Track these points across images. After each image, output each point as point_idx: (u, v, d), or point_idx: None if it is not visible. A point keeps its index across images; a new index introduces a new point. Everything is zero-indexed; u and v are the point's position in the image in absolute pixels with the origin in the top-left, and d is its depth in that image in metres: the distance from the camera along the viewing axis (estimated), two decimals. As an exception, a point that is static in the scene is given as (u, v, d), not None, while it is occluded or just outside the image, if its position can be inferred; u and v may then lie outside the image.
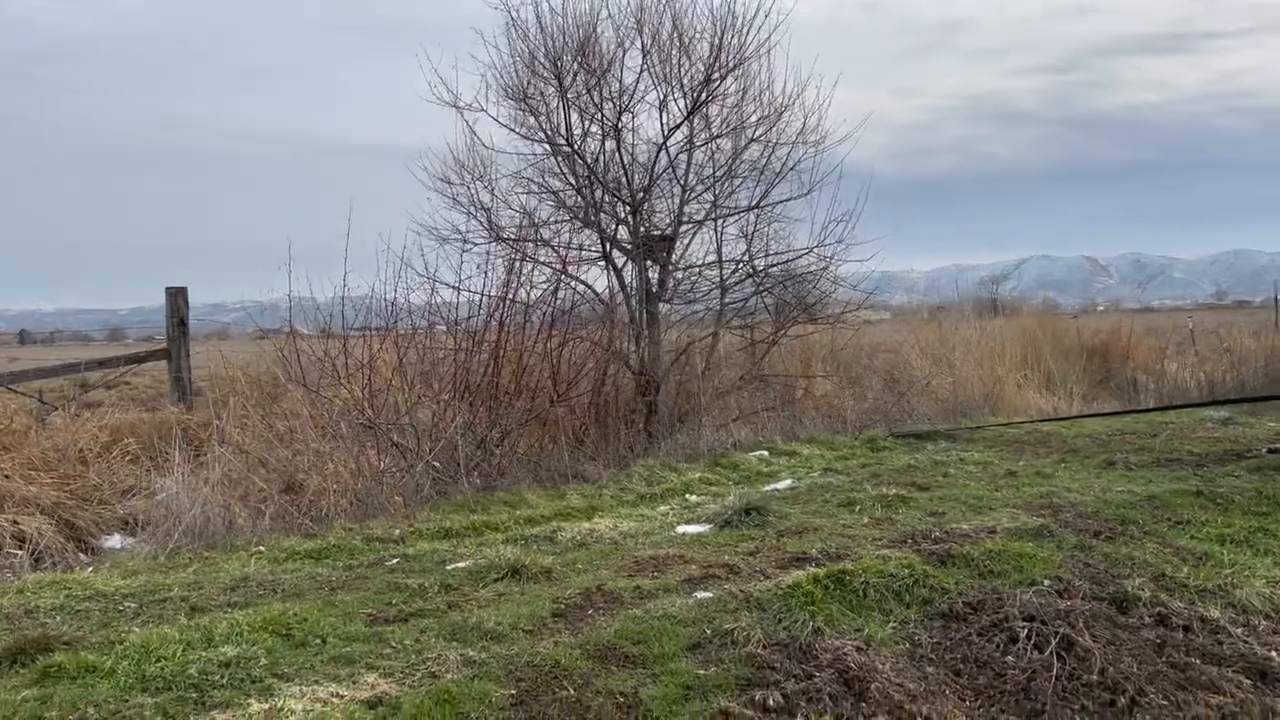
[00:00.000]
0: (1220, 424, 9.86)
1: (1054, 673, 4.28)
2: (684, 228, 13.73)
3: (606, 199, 13.64)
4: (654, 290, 13.21)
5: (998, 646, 4.50)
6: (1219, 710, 3.96)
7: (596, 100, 12.64)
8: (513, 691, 3.83)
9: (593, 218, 13.46)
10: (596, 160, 13.19)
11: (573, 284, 13.86)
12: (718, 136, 13.74)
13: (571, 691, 3.87)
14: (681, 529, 6.34)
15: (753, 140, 13.81)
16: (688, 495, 7.42)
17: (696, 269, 14.05)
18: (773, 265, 13.87)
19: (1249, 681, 4.15)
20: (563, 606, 4.73)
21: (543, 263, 13.58)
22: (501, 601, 4.83)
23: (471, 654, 4.11)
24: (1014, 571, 5.17)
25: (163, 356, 12.83)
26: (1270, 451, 8.20)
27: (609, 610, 4.70)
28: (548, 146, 13.40)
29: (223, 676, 3.88)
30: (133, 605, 4.93)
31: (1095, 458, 7.92)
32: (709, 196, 13.88)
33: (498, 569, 5.23)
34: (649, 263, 13.40)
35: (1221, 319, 30.39)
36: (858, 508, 6.52)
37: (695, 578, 5.12)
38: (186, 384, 12.53)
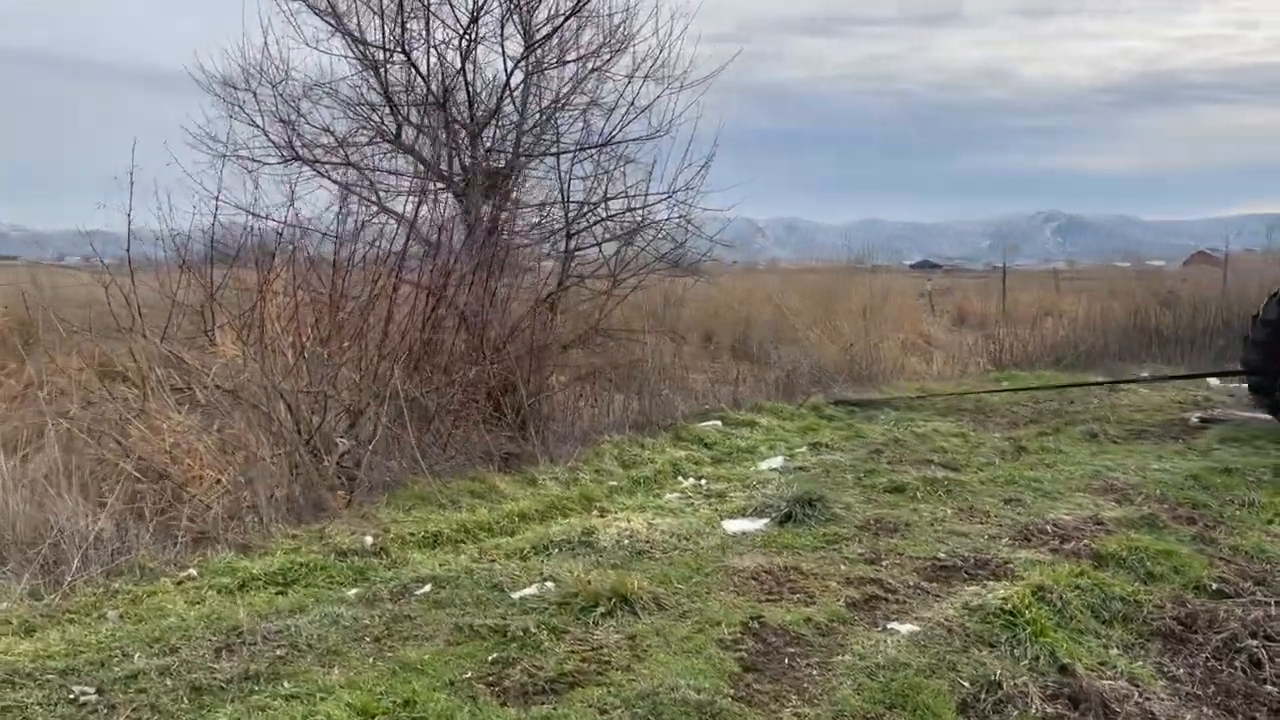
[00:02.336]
0: (1110, 391, 10.05)
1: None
2: (523, 160, 12.17)
3: (440, 122, 11.82)
4: (490, 232, 11.64)
5: (1245, 673, 3.83)
6: None
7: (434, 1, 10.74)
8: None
9: (429, 143, 11.65)
10: (438, 77, 11.32)
11: (391, 220, 12.12)
12: (548, 67, 12.14)
13: (888, 797, 2.74)
14: (732, 526, 5.24)
15: (594, 70, 12.35)
16: (684, 478, 6.30)
17: (544, 208, 12.55)
18: (629, 210, 12.65)
19: None
20: (742, 653, 3.55)
21: (356, 192, 11.73)
22: (649, 649, 3.55)
23: (710, 746, 2.85)
24: (1172, 574, 4.55)
25: None
26: (1202, 421, 8.32)
27: (805, 655, 3.57)
28: (375, 54, 11.31)
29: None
30: (90, 690, 3.18)
31: (1069, 430, 7.63)
32: (550, 130, 12.41)
33: (599, 598, 3.90)
34: (485, 200, 11.81)
35: (936, 283, 32.81)
36: (916, 494, 5.73)
37: (856, 601, 4.09)
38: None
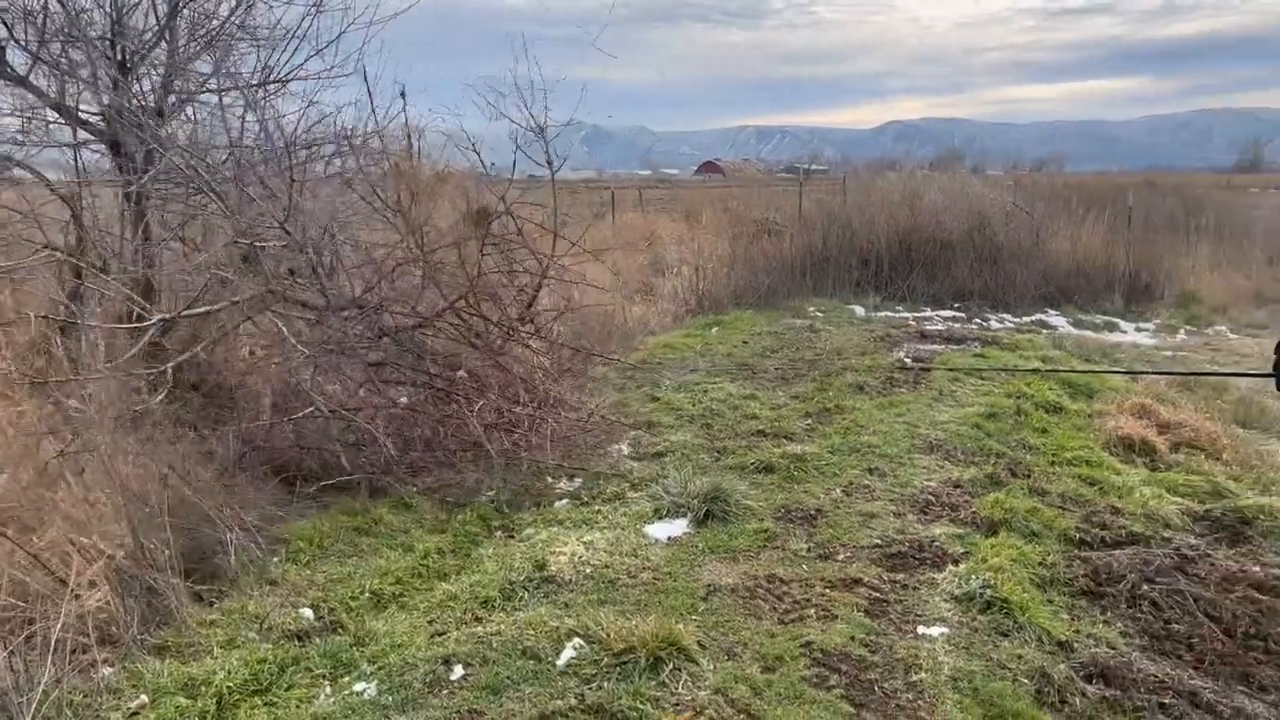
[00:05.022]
0: (810, 331, 11.16)
1: (1204, 632, 4.57)
2: (180, 101, 10.64)
3: (77, 53, 9.99)
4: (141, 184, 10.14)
5: (1154, 617, 4.62)
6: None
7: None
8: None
9: (57, 76, 9.85)
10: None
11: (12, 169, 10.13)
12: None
13: None
14: (657, 532, 5.24)
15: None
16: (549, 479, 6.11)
17: (201, 153, 11.03)
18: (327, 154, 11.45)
19: None
20: (837, 690, 3.68)
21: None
22: (750, 703, 3.55)
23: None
24: (1046, 530, 5.34)
25: None
26: (914, 361, 9.58)
27: (885, 679, 3.78)
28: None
29: None
30: None
31: (835, 383, 8.40)
32: (212, 65, 10.93)
33: (659, 652, 3.78)
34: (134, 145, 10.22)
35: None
36: (790, 472, 6.07)
37: (867, 607, 4.37)
38: None
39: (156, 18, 9.90)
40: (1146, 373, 9.53)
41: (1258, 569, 5.07)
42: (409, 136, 8.02)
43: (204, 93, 10.70)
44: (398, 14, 10.21)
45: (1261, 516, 5.56)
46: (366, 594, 4.42)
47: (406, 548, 4.98)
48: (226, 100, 10.80)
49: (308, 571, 4.62)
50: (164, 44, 10.15)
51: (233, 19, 10.73)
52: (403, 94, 7.41)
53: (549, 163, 7.67)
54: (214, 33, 10.65)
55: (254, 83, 11.08)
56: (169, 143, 10.53)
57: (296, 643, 3.99)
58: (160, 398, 5.54)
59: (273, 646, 3.93)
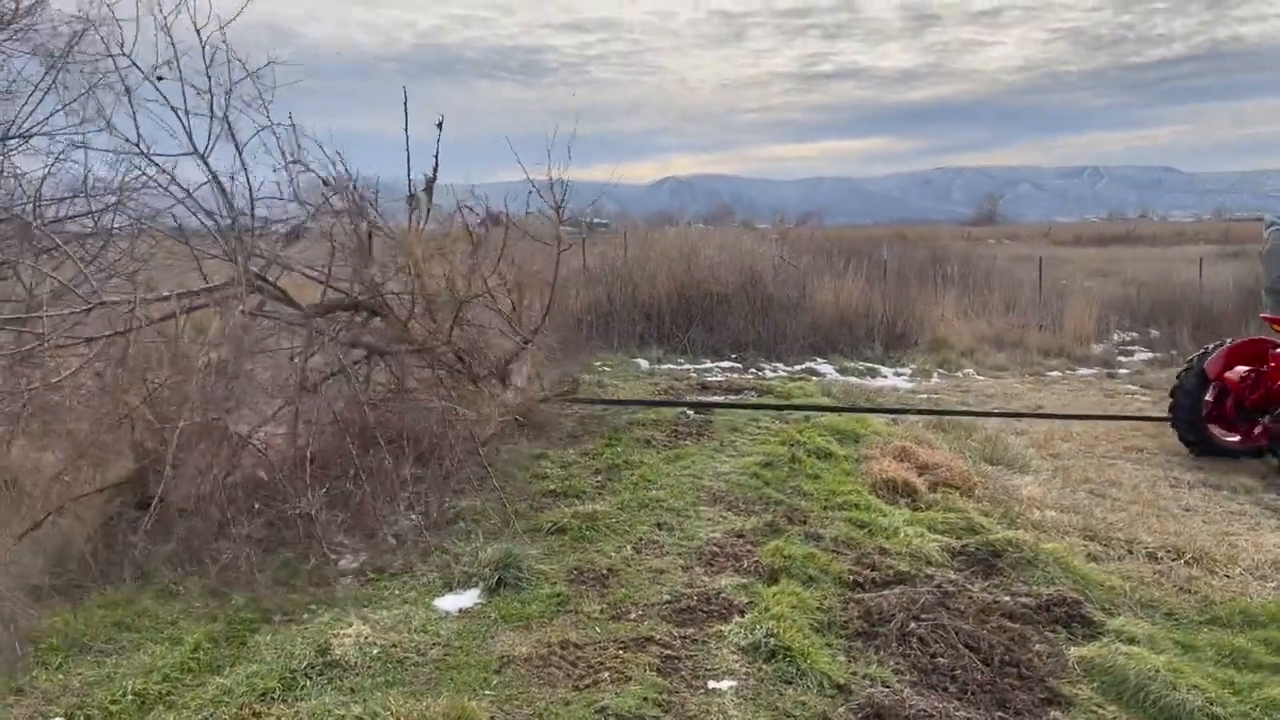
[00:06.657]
0: (598, 386, 11.30)
1: (966, 663, 4.94)
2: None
3: None
4: None
5: (921, 653, 4.94)
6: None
7: None
8: None
9: None
10: None
11: None
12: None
13: None
14: (447, 604, 5.13)
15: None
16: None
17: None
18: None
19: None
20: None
21: None
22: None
23: None
24: (822, 575, 5.60)
25: None
26: (695, 409, 9.89)
27: (678, 739, 3.82)
28: None
29: None
30: None
31: (624, 438, 8.51)
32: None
33: None
34: None
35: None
36: (582, 532, 6.08)
37: (659, 666, 4.41)
38: None
39: None
40: (993, 413, 10.26)
41: (1008, 599, 5.53)
42: (428, 192, 7.80)
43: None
44: (157, 69, 9.70)
45: (1010, 549, 6.05)
46: (129, 695, 4.08)
47: (174, 640, 4.64)
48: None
49: (61, 675, 4.22)
50: None
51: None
52: (439, 125, 7.19)
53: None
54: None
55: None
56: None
57: None
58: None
59: None
